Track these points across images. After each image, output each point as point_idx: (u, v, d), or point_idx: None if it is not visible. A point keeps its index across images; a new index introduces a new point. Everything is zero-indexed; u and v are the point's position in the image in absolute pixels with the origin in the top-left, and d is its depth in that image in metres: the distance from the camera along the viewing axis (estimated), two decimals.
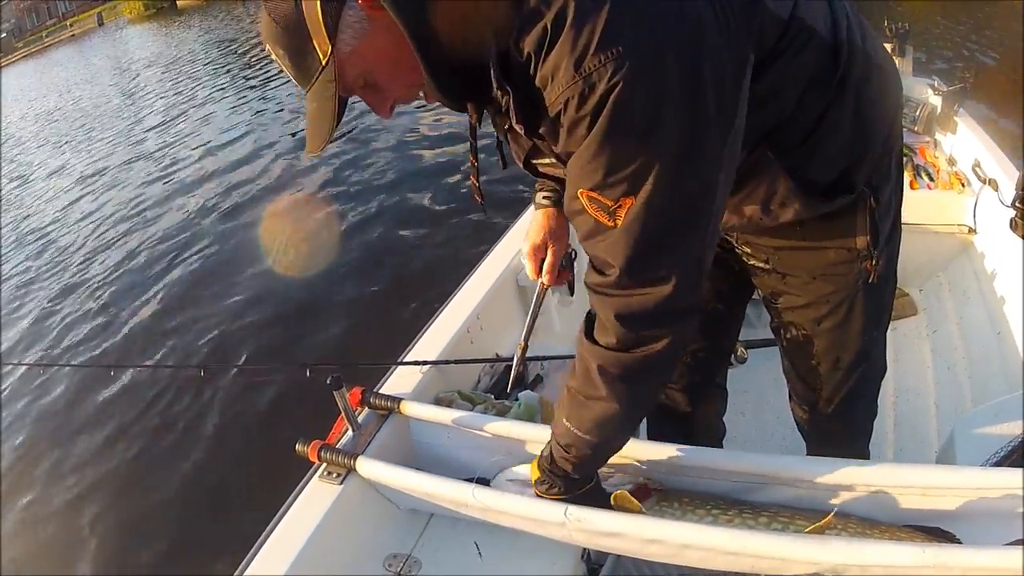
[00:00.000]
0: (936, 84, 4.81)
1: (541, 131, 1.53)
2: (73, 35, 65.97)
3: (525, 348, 2.45)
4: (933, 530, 1.80)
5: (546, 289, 2.34)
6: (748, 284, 2.36)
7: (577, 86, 1.32)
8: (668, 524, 1.81)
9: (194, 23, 44.03)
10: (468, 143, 1.83)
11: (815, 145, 1.70)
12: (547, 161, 1.75)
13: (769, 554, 1.72)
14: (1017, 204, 3.41)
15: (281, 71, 1.55)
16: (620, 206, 1.43)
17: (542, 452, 1.97)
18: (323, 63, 1.46)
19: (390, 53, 1.49)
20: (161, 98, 22.29)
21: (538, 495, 1.99)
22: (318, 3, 1.41)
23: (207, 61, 26.75)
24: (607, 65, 1.29)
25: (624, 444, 1.94)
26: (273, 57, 1.53)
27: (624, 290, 1.55)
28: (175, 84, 23.80)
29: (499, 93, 1.45)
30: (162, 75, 26.53)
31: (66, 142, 20.38)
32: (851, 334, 2.21)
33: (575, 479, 1.93)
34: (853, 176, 1.82)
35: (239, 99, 19.34)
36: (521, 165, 1.79)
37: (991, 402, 2.78)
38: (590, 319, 1.69)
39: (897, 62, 5.26)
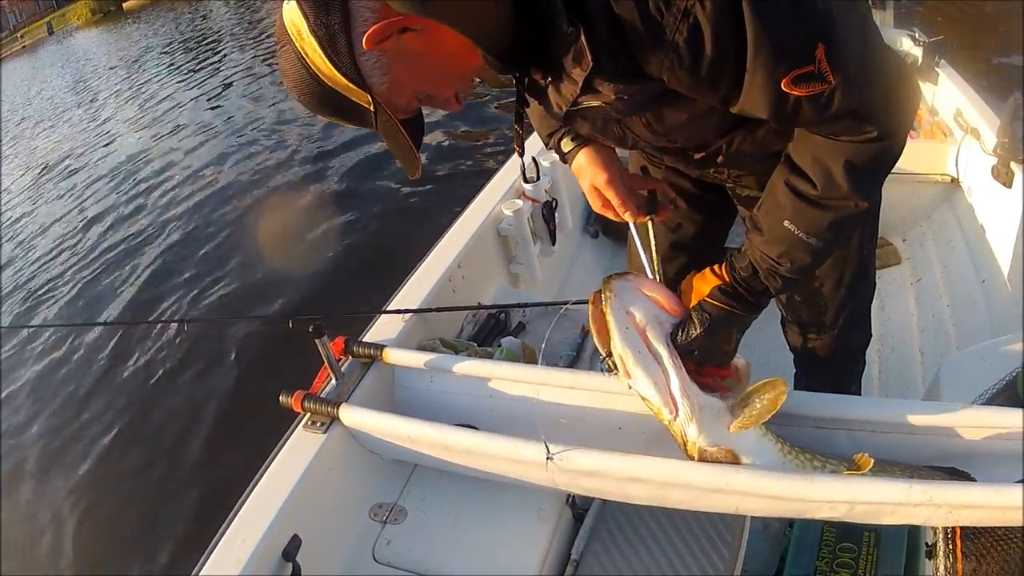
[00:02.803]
0: (917, 35, 4.85)
1: (610, 68, 1.47)
2: (24, 47, 64.96)
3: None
4: (949, 470, 1.78)
5: (647, 219, 2.14)
6: (727, 220, 2.46)
7: None
8: (648, 461, 1.79)
9: (143, 23, 43.90)
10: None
11: None
12: (597, 103, 1.60)
13: (755, 491, 1.70)
14: (999, 151, 3.43)
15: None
16: (820, 59, 1.37)
17: (731, 264, 1.82)
18: (371, 109, 1.49)
19: (423, 66, 1.50)
20: (122, 94, 22.30)
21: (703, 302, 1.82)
22: (332, 69, 1.43)
23: (163, 57, 26.72)
24: None
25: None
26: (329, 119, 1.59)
27: (879, 103, 1.52)
28: (136, 81, 23.71)
29: (568, 29, 1.38)
30: (123, 74, 26.39)
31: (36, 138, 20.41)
32: (852, 249, 2.27)
33: (768, 296, 1.83)
34: None
35: (200, 83, 19.51)
36: (563, 114, 1.67)
37: (977, 345, 2.79)
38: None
39: (879, 15, 5.30)
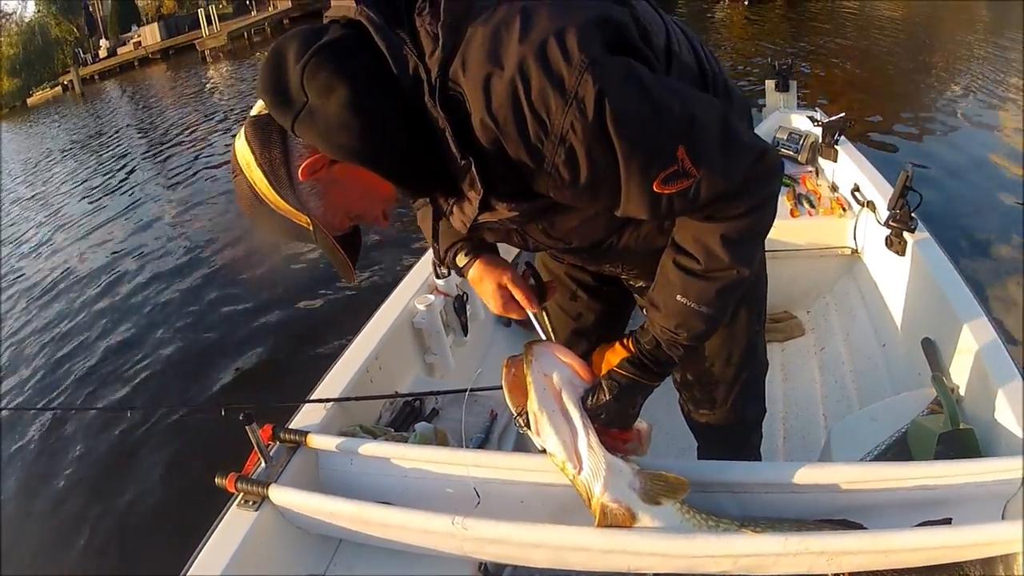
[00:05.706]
0: (818, 116, 5.05)
1: (503, 189, 1.66)
2: None
3: None
4: (840, 522, 1.91)
5: (539, 312, 2.29)
6: (626, 309, 2.66)
7: (572, 108, 1.43)
8: (542, 528, 1.93)
9: (49, 117, 43.72)
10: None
11: None
12: (494, 219, 1.78)
13: (643, 551, 1.83)
14: (891, 223, 3.61)
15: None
16: (682, 159, 1.53)
17: (636, 340, 1.99)
18: (311, 228, 1.68)
19: (351, 191, 1.70)
20: (34, 191, 21.78)
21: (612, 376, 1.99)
22: (275, 196, 1.64)
23: (77, 153, 26.33)
24: (584, 75, 1.41)
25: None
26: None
27: (742, 184, 1.68)
28: (48, 177, 23.13)
29: (461, 162, 1.56)
30: (35, 171, 25.68)
31: None
32: (738, 330, 2.44)
33: (671, 364, 1.98)
34: None
35: (111, 179, 19.40)
36: (467, 229, 1.84)
37: (868, 406, 2.96)
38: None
39: (782, 97, 5.51)
